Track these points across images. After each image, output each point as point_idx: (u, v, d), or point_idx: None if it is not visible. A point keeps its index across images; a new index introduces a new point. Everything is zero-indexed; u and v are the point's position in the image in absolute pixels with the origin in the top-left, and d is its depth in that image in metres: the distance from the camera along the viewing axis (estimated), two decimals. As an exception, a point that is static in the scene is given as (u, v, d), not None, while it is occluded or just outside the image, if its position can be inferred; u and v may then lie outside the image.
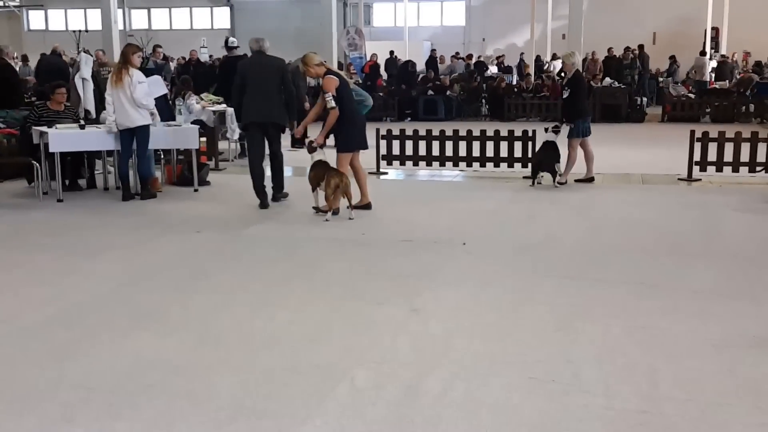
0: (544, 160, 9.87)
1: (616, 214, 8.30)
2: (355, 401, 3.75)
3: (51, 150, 8.88)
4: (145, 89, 8.86)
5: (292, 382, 3.97)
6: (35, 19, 39.52)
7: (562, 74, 20.12)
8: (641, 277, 5.85)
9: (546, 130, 10.01)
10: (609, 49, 22.78)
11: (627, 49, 22.47)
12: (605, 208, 8.70)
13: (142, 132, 8.95)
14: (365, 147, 8.43)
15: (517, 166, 10.89)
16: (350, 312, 5.09)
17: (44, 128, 9.11)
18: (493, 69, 25.65)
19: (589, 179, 10.10)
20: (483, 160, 11.16)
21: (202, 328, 4.81)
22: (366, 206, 8.32)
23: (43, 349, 4.45)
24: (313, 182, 8.00)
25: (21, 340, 4.60)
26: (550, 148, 9.83)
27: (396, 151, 11.40)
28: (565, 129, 10.03)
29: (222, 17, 37.87)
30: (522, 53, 28.73)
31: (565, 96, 10.12)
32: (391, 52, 26.07)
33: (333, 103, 7.79)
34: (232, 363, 4.23)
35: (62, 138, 8.90)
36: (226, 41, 13.68)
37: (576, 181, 10.02)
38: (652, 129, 17.67)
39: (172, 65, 21.09)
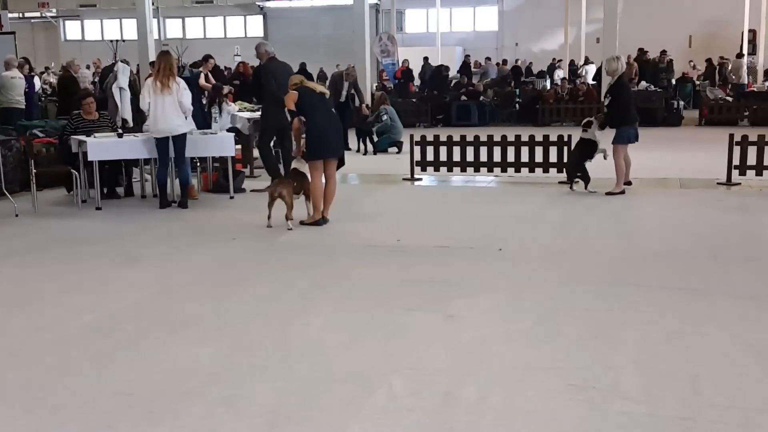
0: (573, 160, 9.83)
1: (654, 219, 8.20)
2: (393, 408, 3.74)
3: (89, 158, 9.01)
4: (190, 96, 9.00)
5: (328, 389, 3.97)
6: (72, 30, 40.21)
7: (595, 79, 19.98)
8: (680, 283, 5.77)
9: (581, 125, 9.98)
10: (644, 52, 22.52)
11: (663, 52, 22.22)
12: (643, 212, 8.60)
13: (183, 139, 9.04)
14: (330, 157, 8.05)
15: (552, 171, 10.79)
16: (385, 319, 5.08)
17: (83, 137, 9.24)
18: (559, 73, 25.28)
19: (620, 192, 9.52)
20: (518, 165, 11.09)
21: (238, 335, 4.83)
22: (315, 222, 8.01)
23: (83, 356, 4.50)
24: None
25: (61, 348, 4.66)
26: (582, 144, 9.76)
27: (430, 156, 11.39)
28: (607, 131, 9.78)
29: (255, 25, 38.22)
30: (558, 59, 28.55)
31: (606, 103, 9.84)
32: (425, 59, 26.07)
33: (289, 117, 8.24)
34: (269, 370, 4.25)
35: (100, 147, 9.03)
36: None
37: (606, 194, 9.50)
38: (689, 133, 17.44)
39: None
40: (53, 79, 23.64)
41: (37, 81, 16.16)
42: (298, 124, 8.09)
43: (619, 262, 6.44)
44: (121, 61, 11.28)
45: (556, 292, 5.58)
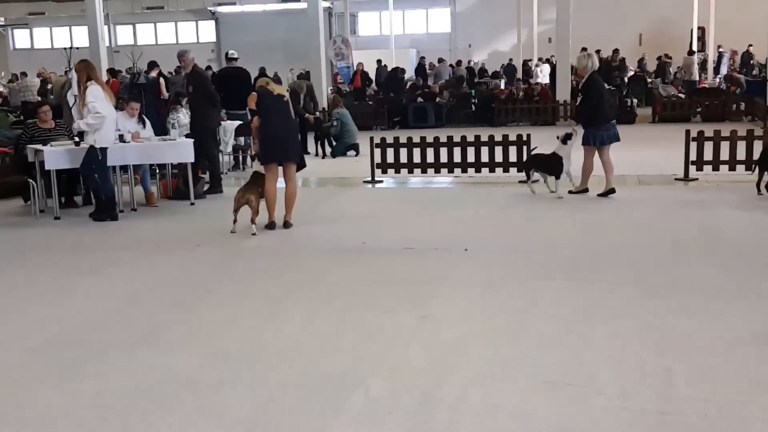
0: (545, 168, 9.57)
1: (616, 216, 8.31)
2: (372, 411, 3.73)
3: (47, 167, 8.84)
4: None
5: (305, 394, 3.94)
6: (21, 38, 39.42)
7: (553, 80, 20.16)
8: (645, 278, 5.86)
9: (558, 137, 9.59)
10: (597, 51, 22.85)
11: (615, 51, 22.57)
12: (603, 209, 8.71)
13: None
14: (282, 160, 8.01)
15: (513, 170, 10.89)
16: (358, 321, 5.07)
17: (39, 146, 9.05)
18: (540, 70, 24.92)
19: (610, 190, 9.30)
20: (478, 165, 11.16)
21: (210, 343, 4.77)
22: (269, 225, 7.95)
23: (52, 369, 4.40)
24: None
25: (29, 361, 4.55)
26: (555, 160, 9.43)
27: (390, 159, 11.40)
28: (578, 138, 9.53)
29: (207, 30, 37.89)
30: (510, 59, 28.83)
31: (577, 102, 9.71)
32: (379, 61, 26.13)
33: (249, 116, 8.61)
34: (244, 377, 4.20)
35: (57, 155, 8.85)
36: (227, 54, 13.74)
37: (570, 192, 9.52)
38: (643, 130, 17.73)
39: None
40: (2, 89, 23.20)
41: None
42: (257, 123, 8.05)
43: (585, 258, 6.51)
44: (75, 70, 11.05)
45: (526, 290, 5.62)
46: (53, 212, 9.06)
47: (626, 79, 22.46)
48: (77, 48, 13.87)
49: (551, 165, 9.51)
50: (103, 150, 8.67)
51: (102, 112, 8.46)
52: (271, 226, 7.98)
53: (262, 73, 22.06)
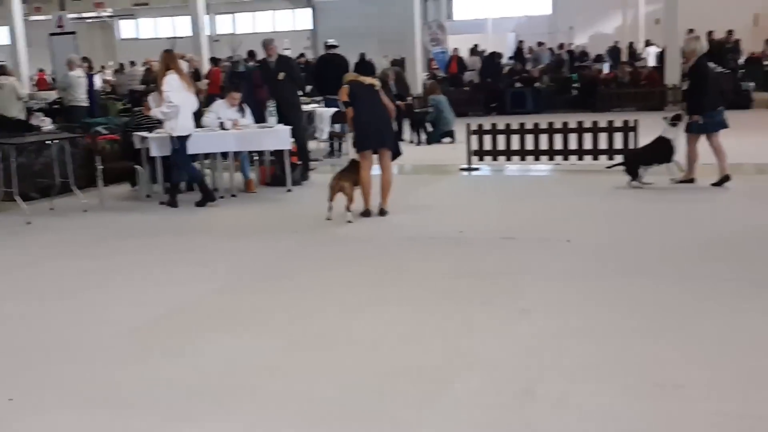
0: (639, 159, 9.13)
1: (730, 207, 7.90)
2: (467, 405, 3.62)
3: (151, 154, 9.10)
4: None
5: (398, 385, 3.87)
6: (126, 28, 40.81)
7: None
8: (756, 274, 5.51)
9: (665, 119, 9.19)
10: (709, 33, 21.87)
11: (729, 32, 21.49)
12: (718, 201, 8.28)
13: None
14: (374, 147, 7.97)
15: (618, 158, 10.42)
16: (453, 312, 4.96)
17: (145, 133, 9.31)
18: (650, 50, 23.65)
19: (724, 178, 8.78)
20: (580, 152, 10.81)
21: (302, 329, 4.77)
22: (364, 213, 7.94)
23: (147, 350, 4.51)
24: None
25: (130, 341, 4.67)
26: (663, 144, 8.99)
27: (487, 146, 11.18)
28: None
29: (304, 18, 38.24)
30: (616, 41, 27.84)
31: (684, 88, 9.24)
32: (475, 46, 25.75)
33: (343, 107, 8.53)
34: (336, 364, 4.17)
35: (161, 143, 9.06)
36: (326, 42, 13.89)
37: (675, 182, 9.13)
38: (761, 116, 16.85)
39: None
40: (109, 78, 24.05)
41: (97, 79, 16.39)
42: (351, 113, 8.08)
43: (694, 252, 6.19)
44: (180, 58, 11.30)
45: (633, 285, 5.38)
46: (158, 197, 9.30)
47: (741, 62, 21.32)
48: (180, 37, 14.21)
49: (662, 152, 9.00)
50: (181, 138, 8.81)
51: (174, 101, 8.57)
52: (366, 213, 7.95)
53: (362, 59, 22.25)
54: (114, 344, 4.63)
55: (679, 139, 9.03)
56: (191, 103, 8.89)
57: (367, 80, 8.26)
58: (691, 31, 12.51)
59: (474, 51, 25.30)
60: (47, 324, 5.08)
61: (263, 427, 3.51)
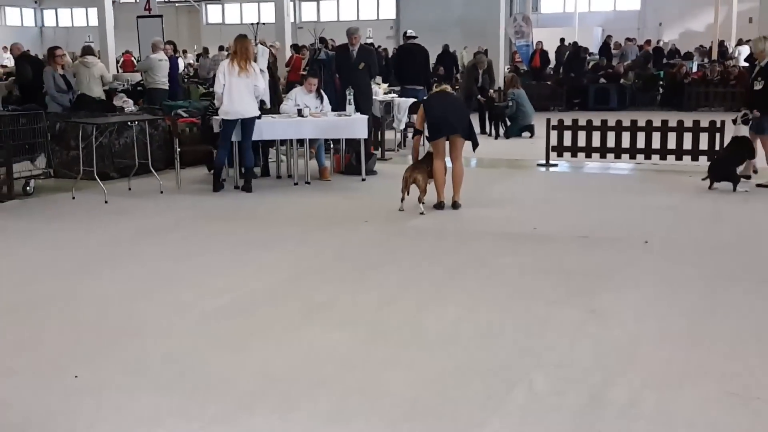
0: (723, 163, 8.83)
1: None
2: (536, 407, 3.55)
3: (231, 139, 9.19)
4: (265, 82, 9.29)
5: (467, 382, 3.82)
6: (213, 13, 41.61)
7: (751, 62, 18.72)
8: None
9: (734, 121, 8.97)
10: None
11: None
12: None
13: (252, 123, 9.10)
14: (448, 133, 7.86)
15: (702, 159, 10.09)
16: (523, 311, 4.87)
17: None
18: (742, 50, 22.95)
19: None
20: (663, 152, 10.50)
21: (373, 322, 4.75)
22: (437, 205, 7.89)
23: (222, 337, 4.53)
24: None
25: (201, 328, 4.71)
26: (739, 144, 8.76)
27: (567, 141, 10.96)
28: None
29: (388, 8, 38.28)
30: (700, 45, 26.96)
31: (758, 88, 8.93)
32: (562, 40, 25.31)
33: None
34: (404, 360, 4.14)
35: (238, 127, 9.17)
36: (405, 33, 13.89)
37: (757, 185, 8.84)
38: None
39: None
40: (192, 61, 24.55)
41: (181, 62, 16.71)
42: (417, 144, 8.18)
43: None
44: (261, 44, 11.47)
45: (710, 291, 5.20)
46: (234, 182, 9.43)
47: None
48: (264, 23, 14.38)
49: (745, 149, 8.78)
50: (225, 122, 9.03)
51: (218, 85, 8.95)
52: (439, 206, 7.89)
53: (446, 50, 22.14)
54: (185, 329, 4.68)
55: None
56: (240, 88, 8.93)
57: (439, 88, 8.51)
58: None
59: (561, 45, 24.87)
60: (117, 305, 5.16)
61: (329, 419, 3.50)
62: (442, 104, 8.05)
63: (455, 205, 7.92)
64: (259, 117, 9.31)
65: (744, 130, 8.81)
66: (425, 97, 8.33)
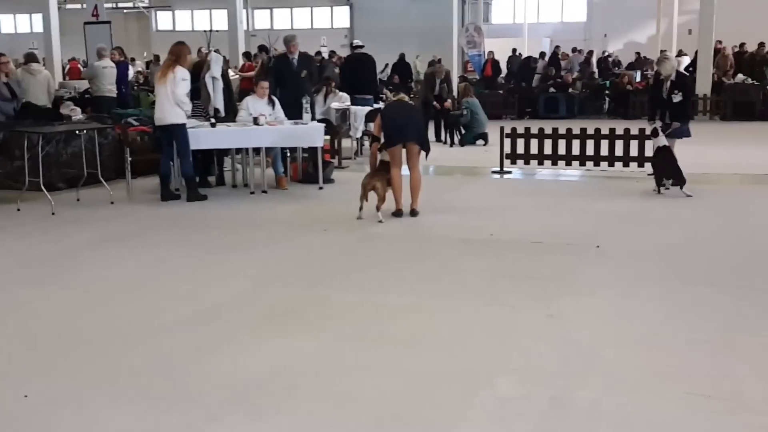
0: (669, 169, 9.11)
1: (763, 217, 7.79)
2: (501, 411, 3.61)
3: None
4: (186, 87, 8.91)
5: (434, 387, 3.86)
6: (163, 20, 41.13)
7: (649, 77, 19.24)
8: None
9: (654, 134, 9.32)
10: (741, 45, 21.69)
11: (761, 44, 21.29)
12: (750, 210, 8.19)
13: (177, 131, 8.99)
14: (403, 141, 7.92)
15: (648, 165, 10.33)
16: (485, 316, 4.95)
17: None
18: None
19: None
20: (612, 159, 10.74)
21: (340, 329, 4.77)
22: (396, 213, 7.95)
23: (185, 346, 4.50)
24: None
25: (164, 337, 4.67)
26: (669, 152, 9.14)
27: (520, 149, 11.14)
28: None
29: (342, 17, 38.34)
30: (637, 52, 27.62)
31: (677, 100, 9.39)
32: (514, 50, 25.71)
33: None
34: (373, 366, 4.17)
35: (195, 136, 9.11)
36: (351, 43, 13.91)
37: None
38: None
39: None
40: (141, 69, 24.21)
41: (130, 69, 16.48)
42: (375, 151, 8.20)
43: (729, 262, 6.12)
44: (215, 51, 11.36)
45: (665, 293, 5.34)
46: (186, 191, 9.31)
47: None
48: (217, 31, 14.24)
49: (673, 159, 9.17)
50: (157, 129, 9.21)
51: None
52: (398, 213, 7.96)
53: (401, 59, 22.26)
54: (147, 339, 4.63)
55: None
56: (160, 93, 8.97)
57: (397, 96, 8.72)
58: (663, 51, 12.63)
59: (513, 55, 25.25)
60: (74, 317, 5.08)
61: (298, 427, 3.51)
62: (399, 113, 8.15)
63: (413, 213, 7.98)
64: (213, 125, 9.27)
65: (663, 140, 9.18)
66: (383, 106, 8.32)
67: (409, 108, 8.46)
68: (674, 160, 9.10)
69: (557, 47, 26.15)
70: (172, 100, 8.85)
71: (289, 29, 36.11)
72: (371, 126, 12.72)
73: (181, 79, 8.83)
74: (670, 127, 9.35)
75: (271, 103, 10.15)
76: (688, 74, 9.55)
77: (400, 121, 8.02)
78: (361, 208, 7.85)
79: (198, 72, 10.39)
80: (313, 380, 3.97)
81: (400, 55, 22.51)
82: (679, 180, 8.93)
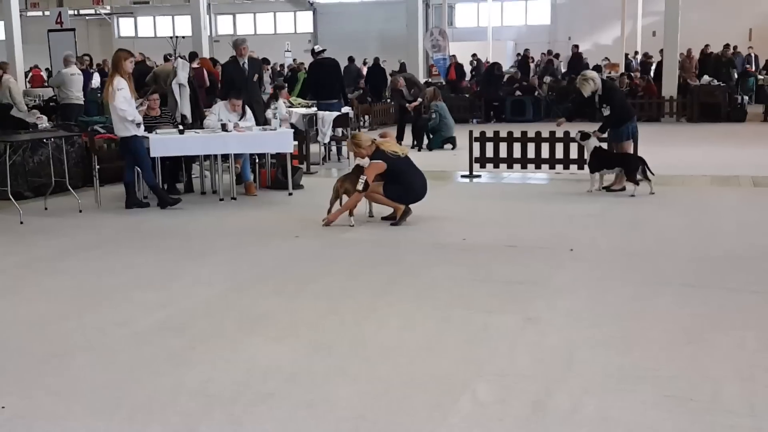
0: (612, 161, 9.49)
1: (732, 218, 7.89)
2: (481, 416, 3.59)
3: (153, 155, 8.94)
4: (124, 95, 8.52)
5: (412, 393, 3.83)
6: (125, 27, 40.73)
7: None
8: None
9: (584, 138, 9.68)
10: (706, 47, 22.03)
11: (726, 46, 21.65)
12: (718, 211, 8.28)
13: (128, 144, 8.79)
14: (415, 201, 7.93)
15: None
16: (462, 320, 4.92)
17: (145, 133, 9.21)
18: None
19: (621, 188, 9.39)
20: (581, 162, 10.80)
21: (313, 334, 4.72)
22: (402, 216, 7.83)
23: (159, 355, 4.42)
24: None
25: (136, 345, 4.58)
26: (604, 151, 9.57)
27: (489, 153, 11.16)
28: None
29: (305, 21, 38.28)
30: (605, 58, 27.94)
31: (606, 114, 9.70)
32: (474, 55, 25.82)
33: (361, 187, 7.49)
34: (348, 372, 4.12)
35: (164, 143, 9.00)
36: (313, 49, 13.85)
37: (607, 189, 9.45)
38: (755, 128, 16.91)
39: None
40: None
41: (96, 77, 16.27)
42: (357, 202, 7.78)
43: (700, 263, 6.17)
44: (180, 58, 11.27)
45: (639, 295, 5.36)
46: (156, 199, 9.20)
47: (735, 76, 21.44)
48: (182, 37, 14.15)
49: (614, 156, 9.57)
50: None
51: None
52: (393, 218, 7.88)
53: (376, 63, 22.25)
54: (118, 349, 4.54)
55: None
56: (110, 108, 8.81)
57: (400, 150, 8.07)
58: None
59: (475, 60, 25.37)
60: (45, 327, 4.99)
61: (272, 432, 3.46)
62: (417, 174, 7.95)
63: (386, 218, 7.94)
64: (181, 132, 9.18)
65: (594, 142, 9.53)
66: (391, 157, 7.73)
67: (414, 164, 8.12)
68: (613, 153, 9.51)
69: (527, 50, 26.30)
70: (116, 112, 8.64)
71: (252, 34, 36.05)
72: (339, 131, 12.73)
73: (117, 89, 8.49)
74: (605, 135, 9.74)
75: (243, 112, 10.03)
76: (613, 80, 9.80)
77: (419, 182, 7.90)
78: (329, 211, 7.79)
79: (165, 78, 10.29)
80: (289, 388, 3.91)
81: (374, 59, 22.49)
82: (630, 170, 9.11)
